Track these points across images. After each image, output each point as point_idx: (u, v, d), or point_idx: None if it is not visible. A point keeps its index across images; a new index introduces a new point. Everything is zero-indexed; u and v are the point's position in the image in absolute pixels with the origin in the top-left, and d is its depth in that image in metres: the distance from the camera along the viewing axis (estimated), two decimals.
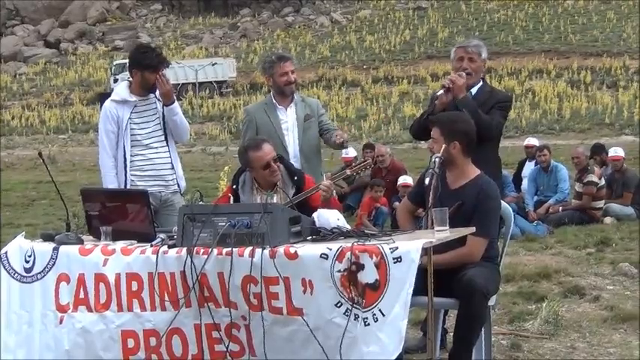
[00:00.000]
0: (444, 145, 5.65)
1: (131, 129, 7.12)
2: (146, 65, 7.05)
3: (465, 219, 5.55)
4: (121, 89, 7.25)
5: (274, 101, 7.41)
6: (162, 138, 7.25)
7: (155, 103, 7.21)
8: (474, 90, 6.63)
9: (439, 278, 5.04)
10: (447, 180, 5.75)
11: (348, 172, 6.62)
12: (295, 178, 6.30)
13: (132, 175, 7.13)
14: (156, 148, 7.21)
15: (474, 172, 5.81)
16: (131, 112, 7.13)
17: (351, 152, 16.20)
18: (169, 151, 7.28)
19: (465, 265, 5.46)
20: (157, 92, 7.15)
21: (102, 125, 7.22)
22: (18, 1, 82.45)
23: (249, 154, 6.19)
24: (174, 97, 7.21)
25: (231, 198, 6.22)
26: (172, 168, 7.29)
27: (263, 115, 7.38)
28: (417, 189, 6.09)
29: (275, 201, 5.87)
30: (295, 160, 7.11)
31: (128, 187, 7.07)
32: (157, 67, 7.05)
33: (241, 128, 7.81)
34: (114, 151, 7.15)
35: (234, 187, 6.32)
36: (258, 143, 6.23)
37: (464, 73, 6.53)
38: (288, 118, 7.37)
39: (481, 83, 6.74)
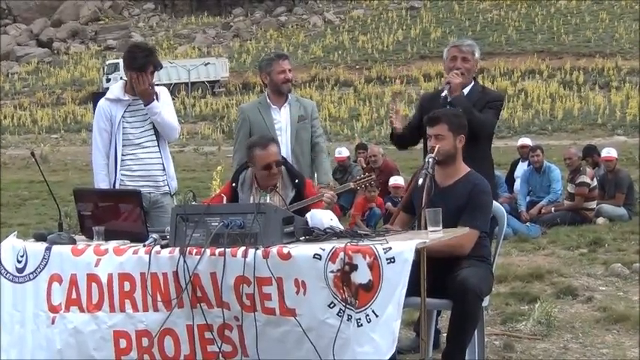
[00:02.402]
0: (452, 139, 5.66)
1: (123, 128, 7.10)
2: (132, 67, 7.01)
3: (458, 215, 5.56)
4: (116, 88, 7.23)
5: (268, 101, 7.41)
6: (154, 138, 7.20)
7: None
8: (466, 90, 6.62)
9: (432, 279, 5.04)
10: (436, 180, 5.74)
11: (352, 185, 6.65)
12: (296, 181, 6.27)
13: (122, 175, 7.11)
14: (147, 147, 7.17)
15: (465, 169, 5.83)
16: (124, 111, 7.11)
17: (344, 152, 16.23)
18: (160, 152, 7.25)
19: (458, 265, 5.45)
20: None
21: (96, 124, 7.20)
22: (10, 1, 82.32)
23: (254, 150, 6.14)
24: (154, 97, 7.14)
25: (224, 198, 6.19)
26: (163, 169, 7.25)
27: (257, 114, 7.37)
28: (408, 198, 6.06)
29: (268, 201, 5.87)
30: (289, 160, 7.10)
31: (117, 186, 7.05)
32: (143, 69, 6.98)
33: (235, 126, 7.81)
34: (107, 149, 7.12)
35: (234, 184, 6.30)
36: (266, 143, 6.16)
37: (459, 72, 6.53)
38: (282, 118, 7.37)
39: (473, 83, 6.74)
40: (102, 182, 7.10)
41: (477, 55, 6.74)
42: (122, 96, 7.13)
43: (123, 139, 7.09)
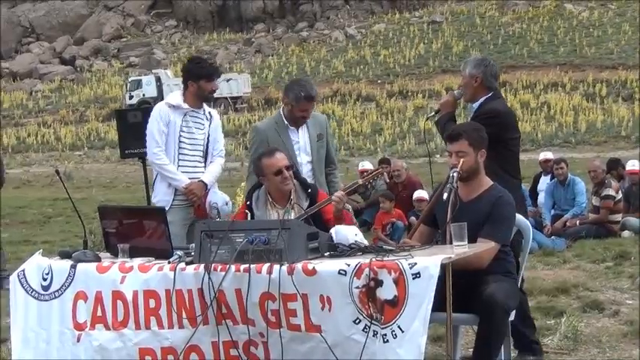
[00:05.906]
0: (473, 154, 5.65)
1: (180, 136, 7.30)
2: (202, 75, 7.30)
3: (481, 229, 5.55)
4: (176, 96, 7.45)
5: (286, 122, 7.38)
6: (202, 155, 7.48)
7: (204, 118, 7.47)
8: (476, 105, 6.73)
9: (459, 294, 5.00)
10: (459, 194, 5.71)
11: (360, 181, 6.58)
12: (309, 190, 6.35)
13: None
14: (196, 162, 7.46)
15: (488, 182, 5.80)
16: (182, 119, 7.30)
17: (367, 165, 16.28)
18: (204, 168, 7.51)
19: (484, 281, 5.41)
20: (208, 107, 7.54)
21: (154, 125, 7.34)
22: (33, 19, 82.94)
23: (262, 160, 6.25)
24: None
25: (248, 214, 6.22)
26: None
27: (275, 135, 7.34)
28: (430, 211, 6.04)
29: (291, 217, 5.88)
30: (309, 179, 7.07)
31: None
32: (212, 76, 7.35)
33: (249, 145, 7.86)
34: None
35: (248, 202, 6.34)
36: (272, 151, 6.34)
37: (455, 91, 6.92)
38: (300, 139, 7.37)
39: (484, 98, 6.70)
40: (183, 176, 7.33)
41: (468, 70, 6.73)
42: (182, 104, 7.34)
43: (179, 149, 7.32)
